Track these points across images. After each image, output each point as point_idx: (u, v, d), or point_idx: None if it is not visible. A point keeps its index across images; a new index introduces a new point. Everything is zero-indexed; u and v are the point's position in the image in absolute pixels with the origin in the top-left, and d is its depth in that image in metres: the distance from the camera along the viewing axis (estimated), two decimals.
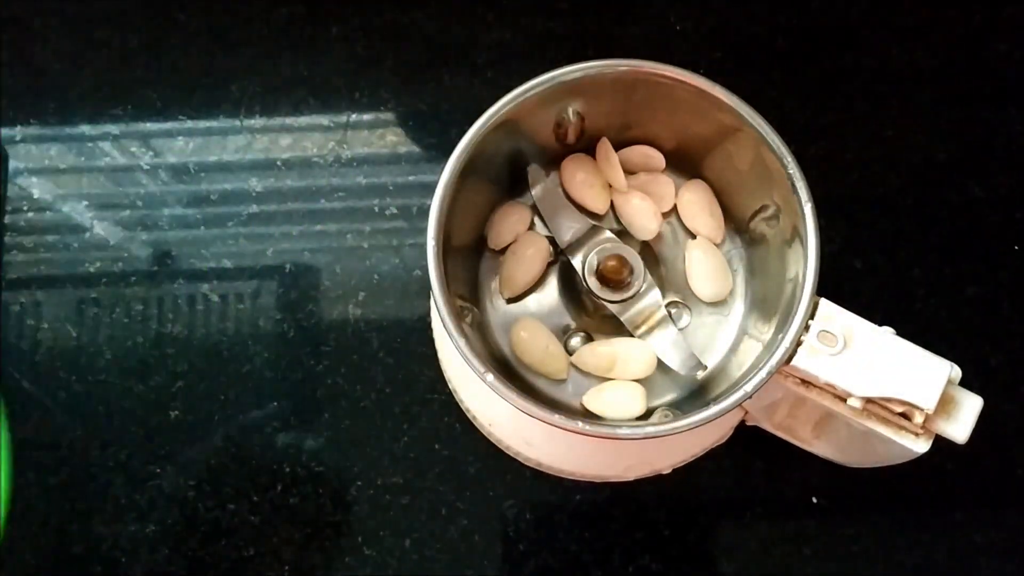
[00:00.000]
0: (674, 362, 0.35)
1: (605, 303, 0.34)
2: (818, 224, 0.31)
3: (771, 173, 0.33)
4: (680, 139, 0.37)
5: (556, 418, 0.31)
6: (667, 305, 0.36)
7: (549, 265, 0.37)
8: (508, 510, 0.40)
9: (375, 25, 0.45)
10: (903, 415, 0.31)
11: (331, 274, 0.43)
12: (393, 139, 0.45)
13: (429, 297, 0.39)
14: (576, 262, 0.35)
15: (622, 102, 0.35)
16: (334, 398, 0.41)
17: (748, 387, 0.31)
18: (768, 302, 0.35)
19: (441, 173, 0.33)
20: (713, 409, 0.31)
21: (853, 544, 0.40)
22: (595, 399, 0.35)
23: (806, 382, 0.32)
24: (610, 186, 0.37)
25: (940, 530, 0.40)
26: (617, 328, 0.36)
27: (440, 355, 0.39)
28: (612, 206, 0.37)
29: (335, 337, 0.42)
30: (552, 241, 0.37)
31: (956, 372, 0.30)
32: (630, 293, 0.34)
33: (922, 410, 0.30)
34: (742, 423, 0.38)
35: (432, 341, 0.40)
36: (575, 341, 0.37)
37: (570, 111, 0.35)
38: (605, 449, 0.37)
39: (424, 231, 0.31)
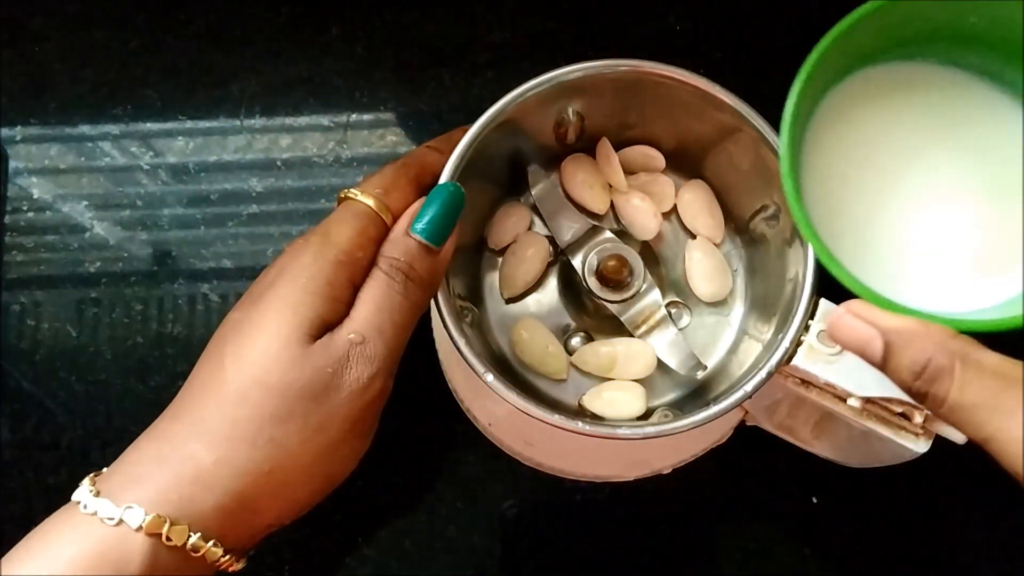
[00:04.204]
0: (674, 362, 0.35)
1: (605, 303, 0.34)
2: None
3: (771, 173, 0.33)
4: (680, 139, 0.37)
5: (556, 418, 0.31)
6: (667, 305, 0.36)
7: (549, 265, 0.37)
8: (508, 510, 0.40)
9: (375, 25, 0.45)
10: (903, 415, 0.31)
11: None
12: (393, 139, 0.45)
13: None
14: (576, 262, 0.35)
15: (622, 102, 0.35)
16: None
17: (748, 387, 0.31)
18: (768, 302, 0.35)
19: (440, 172, 0.33)
20: (713, 409, 0.31)
21: (853, 544, 0.40)
22: (595, 399, 0.35)
23: (806, 382, 0.32)
24: (610, 186, 0.37)
25: (940, 530, 0.40)
26: (617, 328, 0.36)
27: (440, 355, 0.39)
28: (612, 206, 0.37)
29: None
30: (552, 241, 0.37)
31: None
32: (630, 293, 0.34)
33: (922, 410, 0.30)
34: (742, 423, 0.38)
35: (432, 341, 0.40)
36: (575, 341, 0.37)
37: (570, 111, 0.35)
38: (605, 449, 0.37)
39: None
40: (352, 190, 0.31)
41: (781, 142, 0.26)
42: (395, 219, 0.31)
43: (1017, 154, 0.28)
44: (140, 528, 0.26)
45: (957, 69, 0.28)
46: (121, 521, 0.26)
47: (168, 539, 0.26)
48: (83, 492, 0.27)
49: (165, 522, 0.26)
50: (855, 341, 0.25)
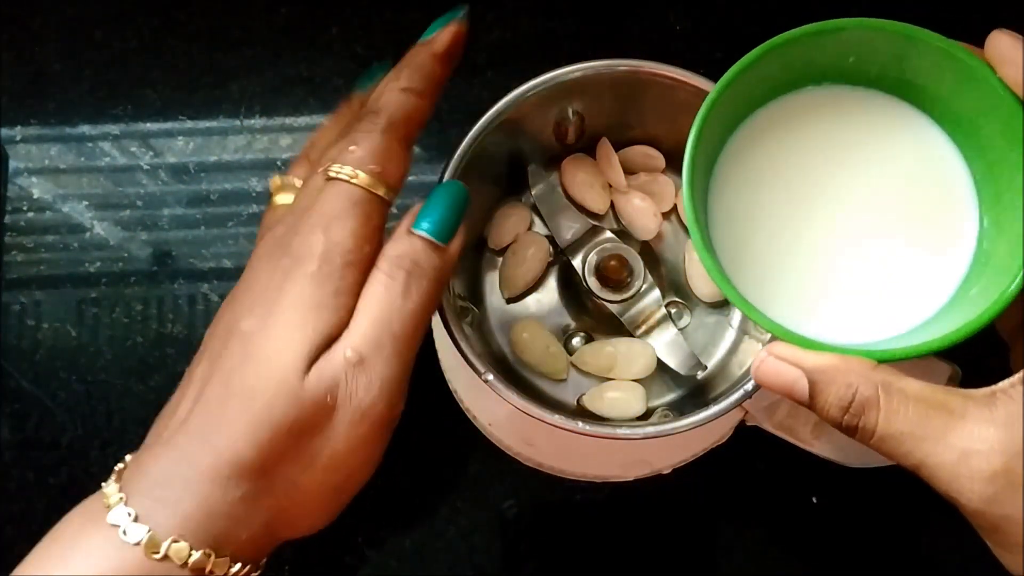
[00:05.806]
0: (674, 362, 0.35)
1: (605, 303, 0.34)
2: None
3: None
4: (680, 139, 0.36)
5: (556, 418, 0.31)
6: (667, 305, 0.36)
7: (549, 265, 0.37)
8: (508, 510, 0.40)
9: (375, 25, 0.45)
10: None
11: None
12: None
13: None
14: (576, 262, 0.35)
15: (622, 102, 0.35)
16: None
17: (748, 387, 0.31)
18: None
19: (441, 173, 0.33)
20: (713, 409, 0.31)
21: (853, 544, 0.40)
22: (595, 399, 0.35)
23: None
24: (610, 186, 0.37)
25: (940, 530, 0.40)
26: (617, 328, 0.36)
27: (440, 355, 0.39)
28: (612, 206, 0.37)
29: None
30: (552, 241, 0.37)
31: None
32: (630, 293, 0.34)
33: None
34: (742, 423, 0.38)
35: (432, 341, 0.40)
36: (575, 341, 0.37)
37: (570, 111, 0.35)
38: (605, 449, 0.37)
39: None
40: (339, 167, 0.28)
41: (684, 190, 0.26)
42: (394, 192, 0.28)
43: (923, 166, 0.27)
44: (167, 556, 0.25)
45: (864, 89, 0.28)
46: (146, 544, 0.25)
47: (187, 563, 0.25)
48: (120, 515, 0.26)
49: (186, 546, 0.25)
50: (780, 384, 0.25)
